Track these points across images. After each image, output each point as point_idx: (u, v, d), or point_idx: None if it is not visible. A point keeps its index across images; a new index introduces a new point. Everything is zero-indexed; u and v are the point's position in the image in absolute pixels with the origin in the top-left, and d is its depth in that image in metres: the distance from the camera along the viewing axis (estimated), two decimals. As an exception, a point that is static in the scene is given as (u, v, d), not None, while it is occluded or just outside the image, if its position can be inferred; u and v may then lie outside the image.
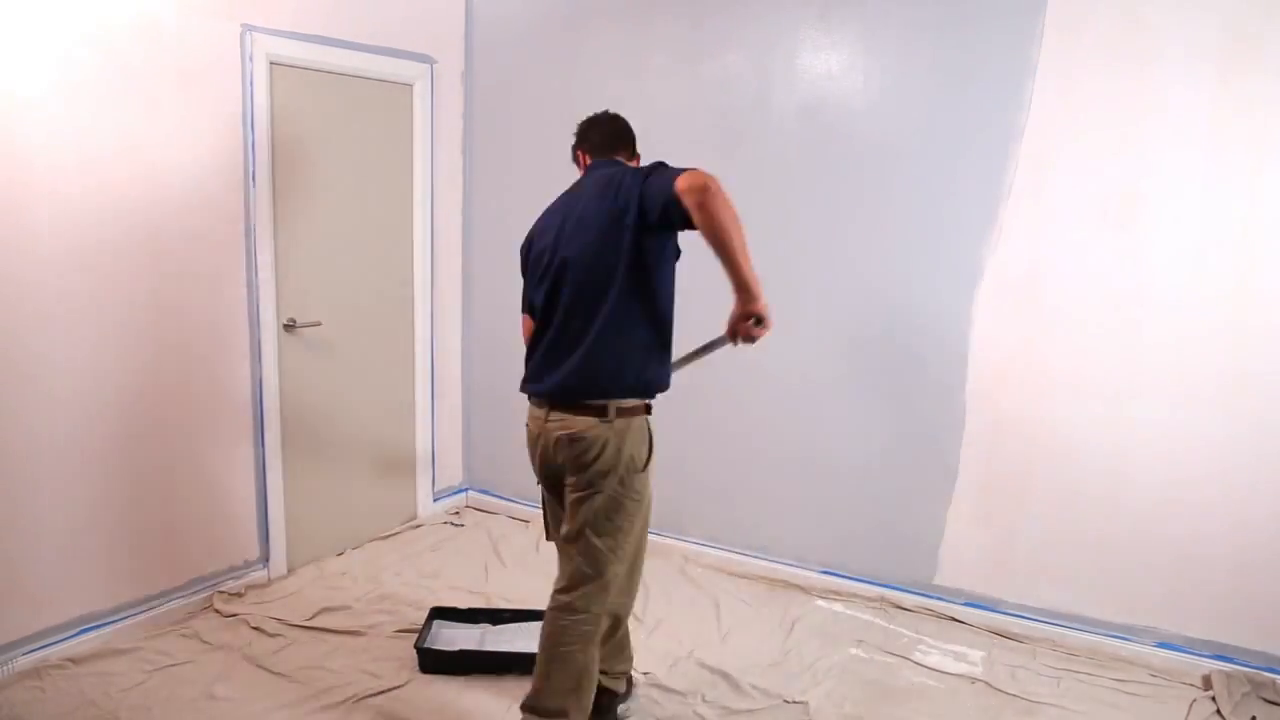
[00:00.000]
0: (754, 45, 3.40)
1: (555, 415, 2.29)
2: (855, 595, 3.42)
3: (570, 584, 2.32)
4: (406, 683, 2.78)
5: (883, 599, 3.38)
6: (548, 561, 3.70)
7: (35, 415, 2.72)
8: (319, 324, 3.51)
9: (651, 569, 3.63)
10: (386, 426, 3.93)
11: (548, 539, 2.52)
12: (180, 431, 3.10)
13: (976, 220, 3.10)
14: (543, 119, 3.91)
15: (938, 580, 3.32)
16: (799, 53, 3.32)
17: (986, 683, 2.86)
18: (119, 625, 2.97)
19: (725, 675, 2.86)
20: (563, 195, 2.42)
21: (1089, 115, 2.89)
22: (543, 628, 2.35)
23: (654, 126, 3.63)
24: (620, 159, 2.46)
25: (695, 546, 3.77)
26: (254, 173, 3.19)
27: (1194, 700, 2.78)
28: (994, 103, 3.02)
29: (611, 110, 2.58)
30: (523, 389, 2.42)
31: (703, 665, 2.92)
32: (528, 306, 2.52)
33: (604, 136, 2.49)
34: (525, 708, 2.33)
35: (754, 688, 2.79)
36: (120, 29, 2.77)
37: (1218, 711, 2.71)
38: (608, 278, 2.19)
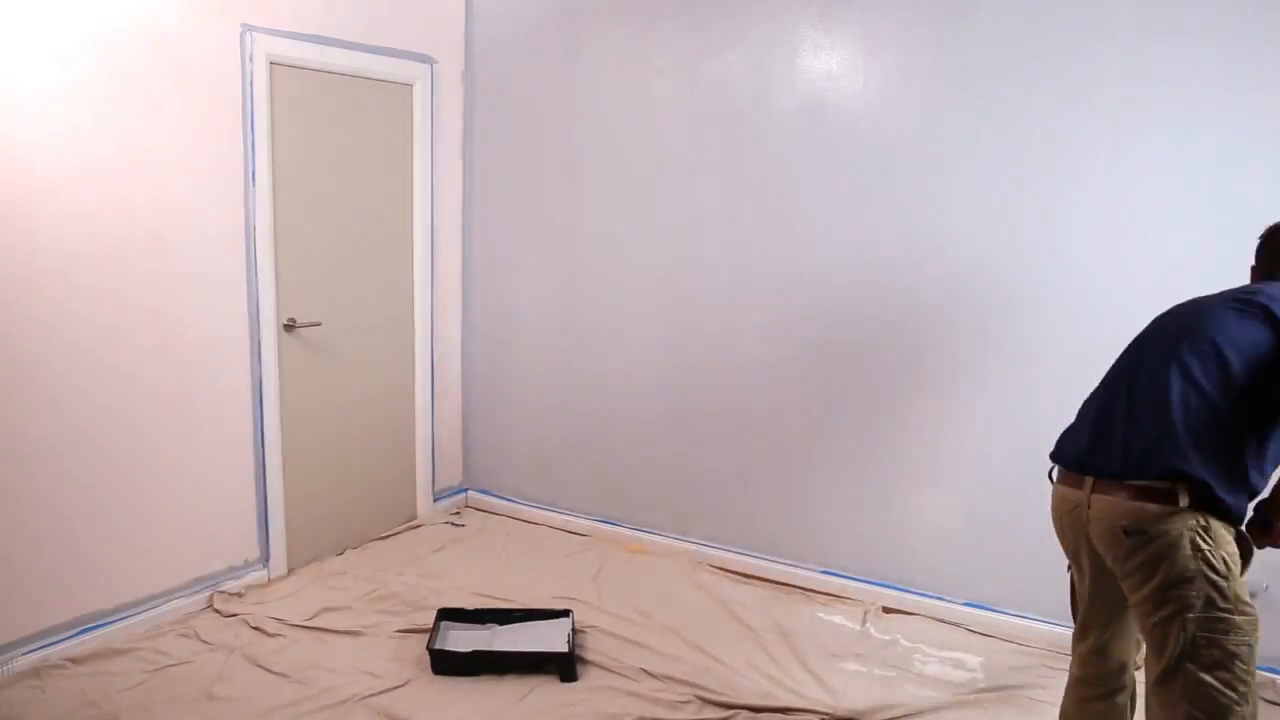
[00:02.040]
0: (754, 45, 3.40)
1: (1113, 492, 2.00)
2: (854, 597, 3.43)
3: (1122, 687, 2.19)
4: (406, 683, 2.78)
5: (881, 600, 3.38)
6: (549, 561, 3.72)
7: (35, 415, 2.72)
8: (319, 324, 3.51)
9: (655, 569, 3.64)
10: (386, 427, 3.93)
11: None
12: (180, 431, 3.10)
13: (977, 220, 3.10)
14: (543, 119, 3.92)
15: (936, 581, 3.32)
16: (799, 53, 3.32)
17: (986, 684, 2.86)
18: (119, 625, 2.97)
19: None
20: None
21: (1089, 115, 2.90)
22: None
23: (654, 127, 3.65)
24: None
25: (696, 546, 3.77)
26: (254, 173, 3.19)
27: (1194, 700, 2.78)
28: (994, 102, 3.02)
29: None
30: (1061, 455, 2.15)
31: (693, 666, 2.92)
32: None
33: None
34: None
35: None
36: (120, 29, 2.77)
37: (1217, 711, 2.71)
38: None
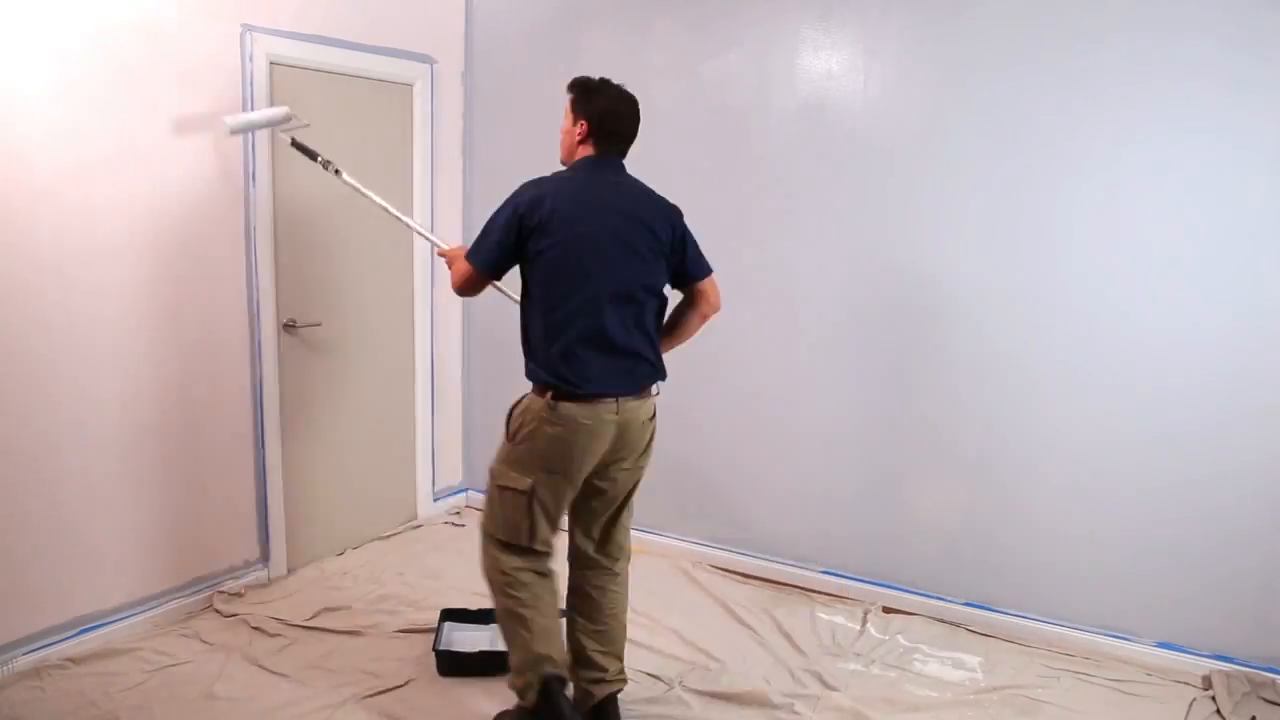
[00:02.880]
0: (754, 45, 3.40)
1: (631, 402, 2.37)
2: (854, 597, 3.43)
3: (626, 550, 2.60)
4: (406, 683, 2.78)
5: (881, 600, 3.38)
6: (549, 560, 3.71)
7: (35, 415, 2.72)
8: (319, 324, 3.51)
9: (654, 568, 3.64)
10: (386, 427, 3.93)
11: (549, 535, 2.47)
12: (180, 431, 3.10)
13: (976, 219, 3.10)
14: (543, 119, 3.90)
15: (936, 581, 3.32)
16: (799, 53, 3.32)
17: (986, 684, 2.87)
18: (119, 625, 2.97)
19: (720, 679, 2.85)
20: (594, 186, 2.38)
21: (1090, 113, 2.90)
22: (593, 599, 2.53)
23: (654, 127, 3.64)
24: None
25: (696, 546, 3.77)
26: (254, 173, 3.19)
27: (1193, 700, 2.78)
28: (994, 101, 3.02)
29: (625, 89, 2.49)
30: (584, 386, 2.32)
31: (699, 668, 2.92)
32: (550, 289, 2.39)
33: (631, 133, 2.49)
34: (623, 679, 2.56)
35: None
36: (120, 29, 2.77)
37: (1217, 711, 2.72)
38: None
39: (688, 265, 2.48)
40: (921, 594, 3.35)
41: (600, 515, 2.52)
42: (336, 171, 2.87)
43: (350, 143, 3.59)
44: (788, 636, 3.12)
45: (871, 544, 3.43)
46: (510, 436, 2.43)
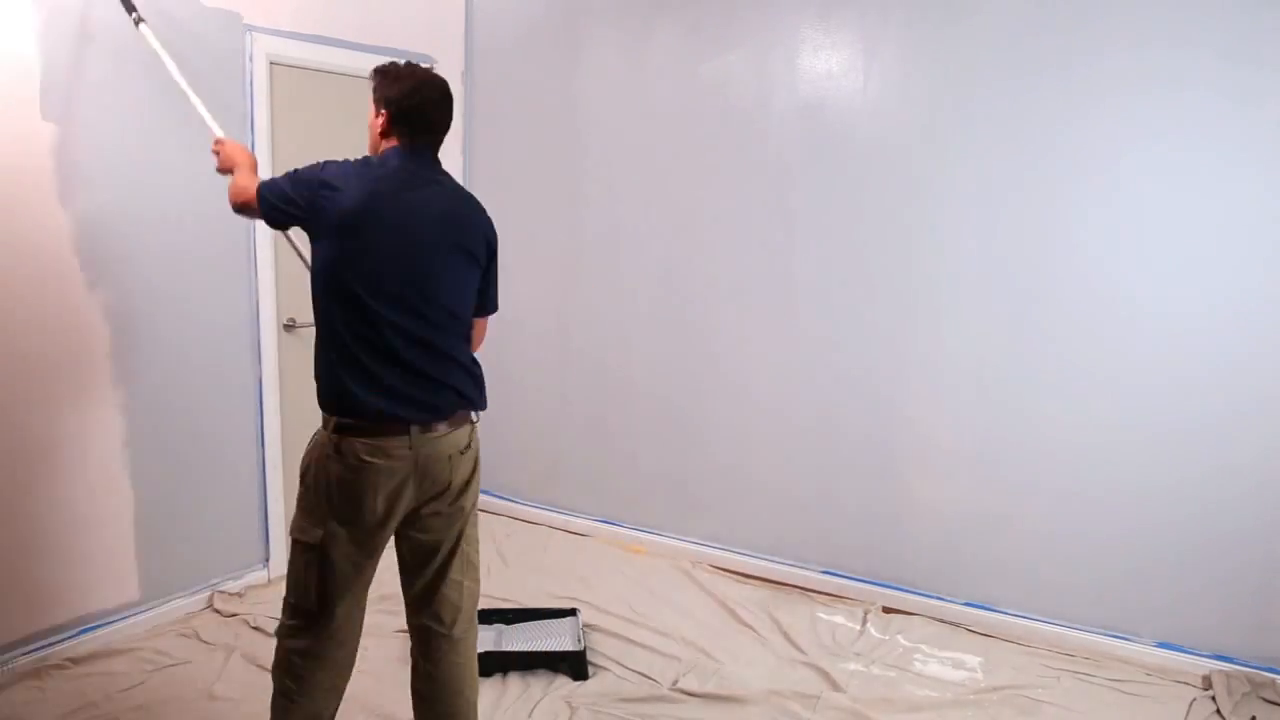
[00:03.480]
0: (754, 46, 3.40)
1: (428, 436, 2.02)
2: (854, 597, 3.43)
3: (465, 613, 2.18)
4: (406, 683, 2.77)
5: (881, 600, 3.38)
6: (550, 561, 3.72)
7: (35, 414, 2.72)
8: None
9: (654, 568, 3.64)
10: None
11: (345, 605, 2.09)
12: (180, 431, 3.10)
13: (976, 219, 3.10)
14: (543, 119, 3.92)
15: (936, 581, 3.32)
16: (799, 53, 3.32)
17: (986, 684, 2.87)
18: (119, 625, 2.97)
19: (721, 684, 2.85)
20: (403, 188, 2.01)
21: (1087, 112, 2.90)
22: (428, 674, 2.17)
23: (654, 127, 3.65)
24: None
25: (696, 546, 3.77)
26: (254, 173, 3.19)
27: (1193, 700, 2.78)
28: (994, 102, 3.02)
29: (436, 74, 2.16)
30: (371, 414, 1.97)
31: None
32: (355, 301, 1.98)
33: (444, 124, 2.13)
34: None
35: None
36: (119, 29, 2.77)
37: (1217, 711, 2.72)
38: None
39: (483, 295, 2.17)
40: (921, 594, 3.35)
41: (421, 570, 2.15)
42: (137, 22, 2.60)
43: (350, 143, 3.58)
44: (788, 636, 3.12)
45: (871, 544, 3.43)
46: (301, 477, 2.07)
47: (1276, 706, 2.71)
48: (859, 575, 3.46)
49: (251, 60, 3.13)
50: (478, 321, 2.21)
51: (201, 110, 2.54)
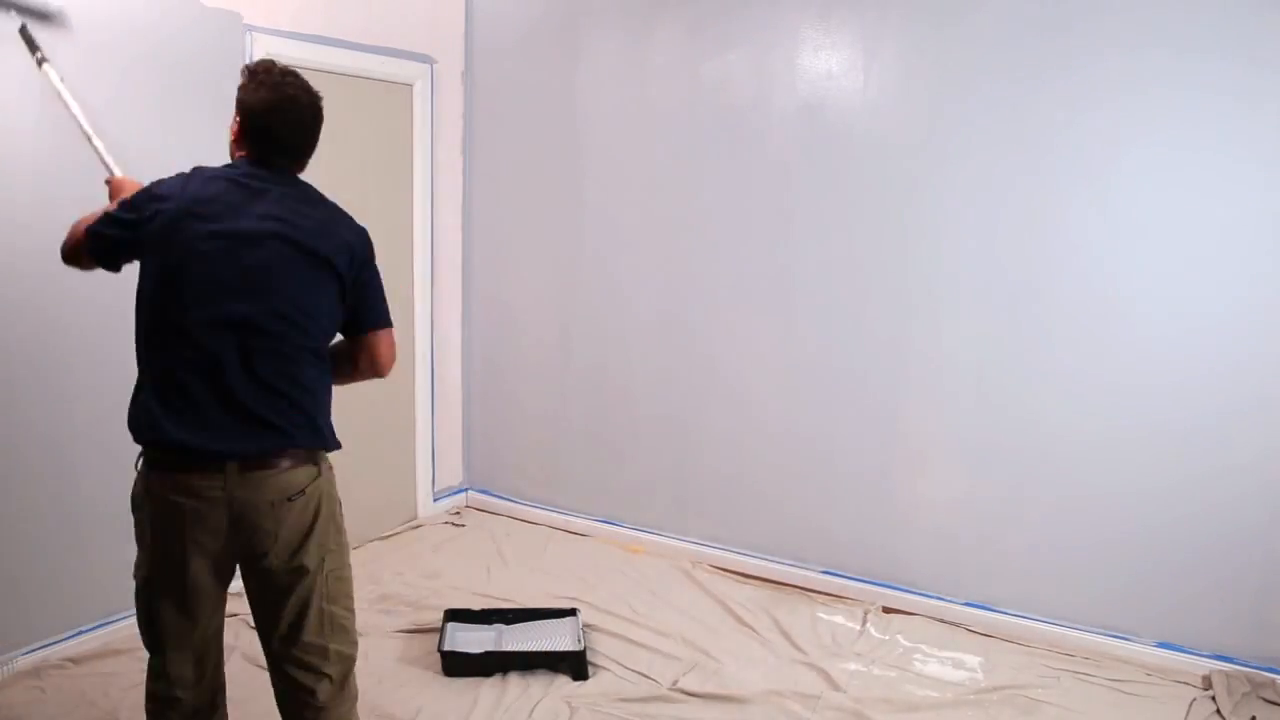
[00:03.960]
0: (754, 46, 3.40)
1: (253, 473, 1.77)
2: (854, 597, 3.43)
3: (337, 682, 1.90)
4: (408, 683, 2.78)
5: (881, 600, 3.38)
6: (550, 561, 3.72)
7: (37, 414, 2.72)
8: (319, 324, 3.51)
9: (654, 568, 3.64)
10: (386, 426, 3.93)
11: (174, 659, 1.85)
12: (180, 431, 3.09)
13: (977, 218, 3.10)
14: (543, 119, 3.92)
15: (936, 581, 3.32)
16: (799, 53, 3.32)
17: (986, 684, 2.87)
18: (119, 625, 2.96)
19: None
20: (246, 189, 1.83)
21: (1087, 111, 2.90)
22: None
23: (654, 126, 3.65)
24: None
25: (696, 546, 3.77)
26: (254, 173, 3.18)
27: (1193, 700, 2.78)
28: (994, 102, 3.02)
29: (305, 91, 1.93)
30: (157, 443, 1.76)
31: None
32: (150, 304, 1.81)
33: (302, 148, 1.94)
34: None
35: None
36: (119, 29, 2.77)
37: (1217, 711, 2.72)
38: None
39: (361, 309, 1.95)
40: (921, 594, 3.35)
41: (272, 631, 1.87)
42: (40, 62, 2.49)
43: (350, 143, 3.59)
44: (788, 636, 3.12)
45: (871, 544, 3.43)
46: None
47: (1276, 706, 2.71)
48: (859, 575, 3.46)
49: (251, 60, 3.13)
50: (368, 339, 1.99)
51: (103, 155, 2.38)
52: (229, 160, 1.96)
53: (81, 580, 2.88)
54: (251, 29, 3.11)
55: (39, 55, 2.53)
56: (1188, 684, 2.88)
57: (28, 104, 2.60)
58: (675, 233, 3.66)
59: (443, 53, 3.92)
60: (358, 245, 1.91)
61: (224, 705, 2.00)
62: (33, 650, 2.76)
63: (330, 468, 1.94)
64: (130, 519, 1.86)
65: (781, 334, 3.51)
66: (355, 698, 1.98)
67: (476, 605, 3.25)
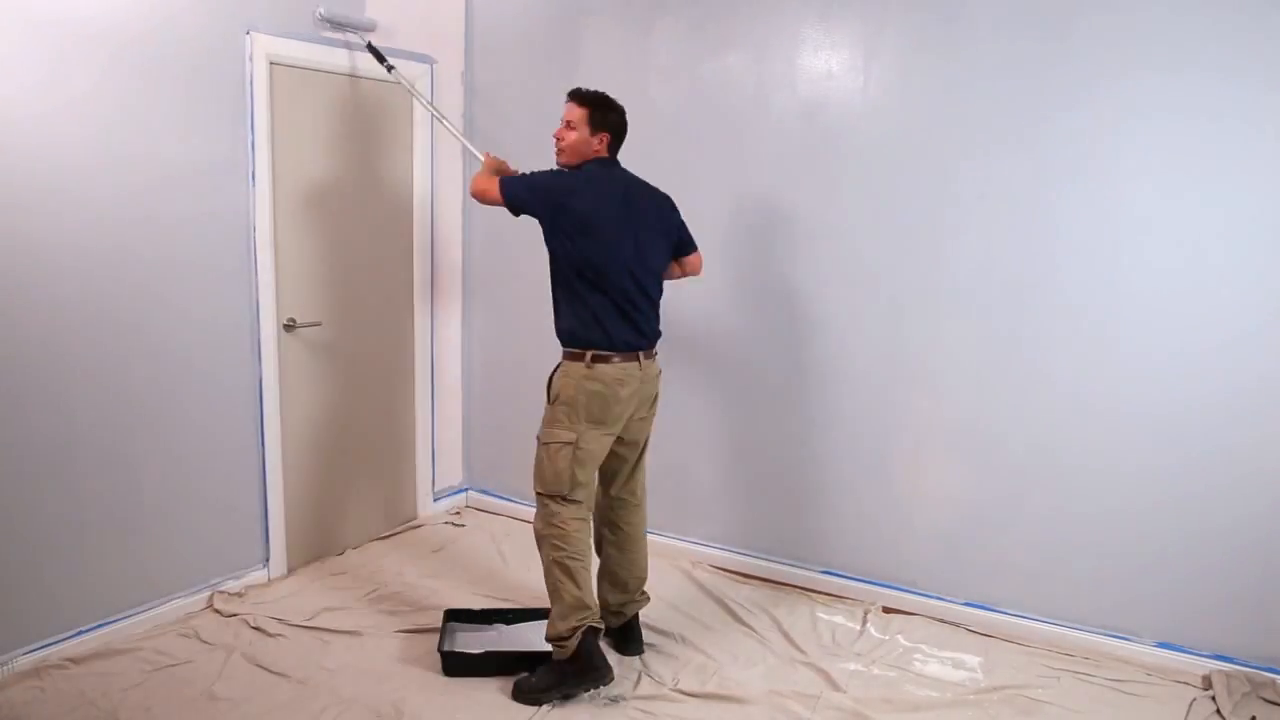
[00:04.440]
0: (754, 46, 3.40)
1: (647, 361, 2.80)
2: (854, 597, 3.43)
3: (645, 489, 3.02)
4: (407, 683, 2.78)
5: (881, 600, 3.38)
6: (548, 561, 3.71)
7: (36, 414, 2.72)
8: (319, 324, 3.51)
9: (655, 568, 3.64)
10: (386, 427, 3.93)
11: (580, 490, 2.76)
12: (180, 431, 3.10)
13: (978, 217, 3.11)
14: (543, 119, 3.90)
15: (936, 581, 3.32)
16: (799, 53, 3.32)
17: (986, 684, 2.87)
18: (119, 625, 2.97)
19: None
20: (619, 184, 2.78)
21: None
22: (623, 531, 2.96)
23: (654, 127, 3.64)
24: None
25: (696, 546, 3.77)
26: (254, 173, 3.19)
27: (1193, 700, 2.78)
28: (995, 101, 3.02)
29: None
30: (608, 345, 2.72)
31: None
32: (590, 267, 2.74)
33: (622, 136, 2.86)
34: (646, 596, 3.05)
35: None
36: (119, 29, 2.77)
37: (1217, 711, 2.72)
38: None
39: (686, 243, 2.97)
40: (921, 594, 3.35)
41: (628, 462, 2.91)
42: (390, 69, 3.38)
43: (351, 142, 3.59)
44: (788, 636, 3.13)
45: (871, 544, 3.43)
46: (552, 400, 2.76)
47: (1276, 706, 2.71)
48: (859, 575, 3.46)
49: (251, 60, 3.13)
50: (690, 259, 2.99)
51: (467, 144, 3.40)
52: (567, 165, 2.82)
53: (81, 580, 2.88)
54: (251, 29, 3.11)
55: (387, 64, 3.33)
56: (1188, 684, 2.88)
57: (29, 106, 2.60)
58: (675, 233, 3.65)
59: (443, 53, 3.92)
60: (666, 208, 2.90)
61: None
62: (33, 650, 2.76)
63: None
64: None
65: (781, 333, 3.51)
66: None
67: (476, 605, 3.25)
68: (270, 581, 3.43)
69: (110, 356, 2.88)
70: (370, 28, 3.45)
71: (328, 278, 3.57)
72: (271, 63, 3.20)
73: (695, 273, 3.06)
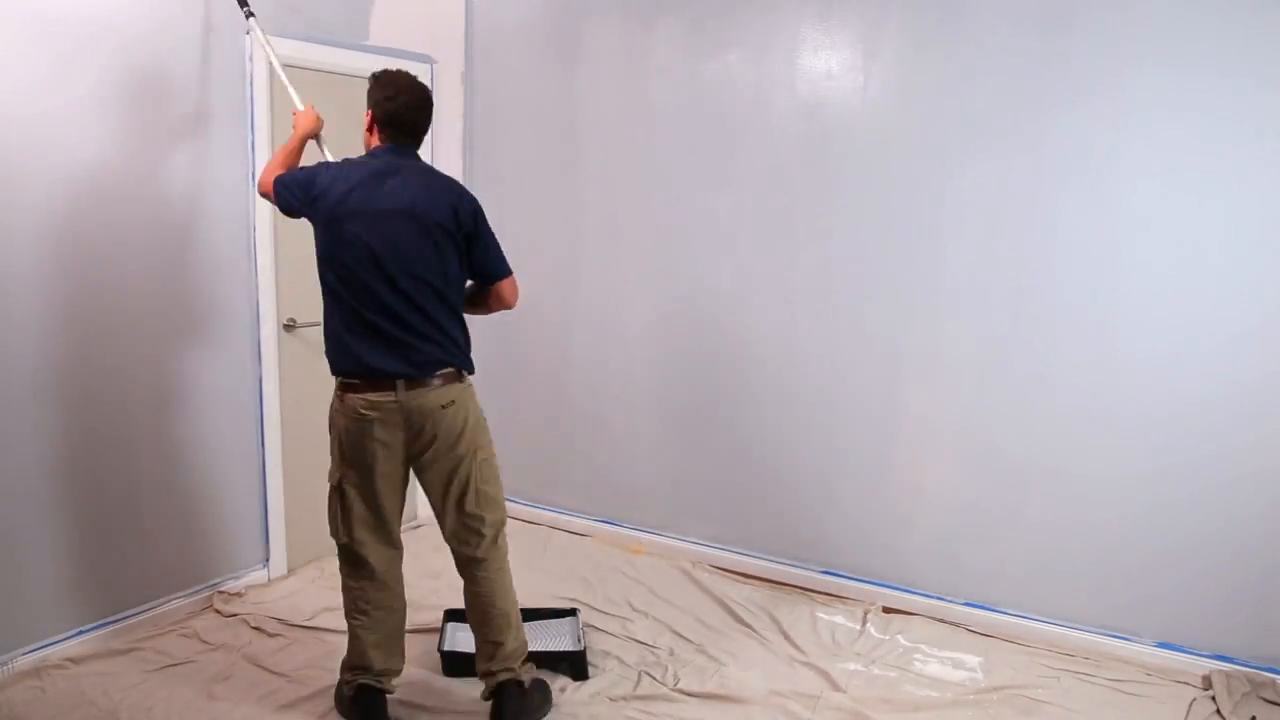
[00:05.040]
0: (754, 45, 3.40)
1: (416, 388, 2.36)
2: (854, 597, 3.43)
3: (489, 540, 2.55)
4: (406, 683, 2.77)
5: (881, 600, 3.38)
6: (550, 560, 3.72)
7: (36, 414, 2.72)
8: (319, 324, 3.50)
9: (654, 568, 3.65)
10: (386, 426, 3.93)
11: (353, 536, 2.51)
12: (180, 431, 3.10)
13: (979, 217, 3.10)
14: (543, 119, 3.92)
15: (936, 581, 3.32)
16: (799, 53, 3.32)
17: (986, 684, 2.87)
18: (119, 625, 2.97)
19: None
20: (370, 168, 2.39)
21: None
22: (474, 590, 2.57)
23: (654, 126, 3.65)
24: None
25: (696, 546, 3.77)
26: (254, 173, 3.19)
27: (1193, 700, 2.78)
28: (995, 101, 3.02)
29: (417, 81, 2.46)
30: (350, 371, 2.35)
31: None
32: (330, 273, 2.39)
33: (417, 124, 2.47)
34: (509, 669, 2.54)
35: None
36: (119, 30, 2.77)
37: (1217, 711, 2.72)
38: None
39: (481, 263, 2.46)
40: (921, 594, 3.35)
41: (436, 503, 2.52)
42: (248, 15, 2.95)
43: (351, 143, 3.58)
44: (788, 636, 3.12)
45: (871, 544, 3.43)
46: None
47: (1276, 706, 2.71)
48: (859, 575, 3.46)
49: (251, 60, 3.13)
50: (494, 287, 2.51)
51: (289, 88, 2.88)
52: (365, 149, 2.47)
53: (82, 580, 2.88)
54: (251, 29, 3.11)
55: (246, 10, 2.94)
56: (1188, 684, 2.88)
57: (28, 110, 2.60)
58: (675, 232, 3.66)
59: (443, 53, 3.92)
60: (461, 210, 2.38)
61: None
62: (33, 650, 2.76)
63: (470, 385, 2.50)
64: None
65: (781, 333, 3.51)
66: (505, 551, 2.64)
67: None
68: (270, 581, 3.43)
69: (110, 356, 2.88)
70: None
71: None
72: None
73: (501, 307, 2.56)
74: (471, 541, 2.54)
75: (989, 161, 3.06)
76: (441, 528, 2.55)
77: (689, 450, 3.75)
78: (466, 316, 2.54)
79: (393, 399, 2.32)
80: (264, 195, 2.57)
